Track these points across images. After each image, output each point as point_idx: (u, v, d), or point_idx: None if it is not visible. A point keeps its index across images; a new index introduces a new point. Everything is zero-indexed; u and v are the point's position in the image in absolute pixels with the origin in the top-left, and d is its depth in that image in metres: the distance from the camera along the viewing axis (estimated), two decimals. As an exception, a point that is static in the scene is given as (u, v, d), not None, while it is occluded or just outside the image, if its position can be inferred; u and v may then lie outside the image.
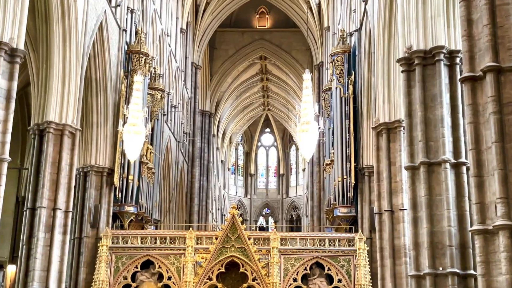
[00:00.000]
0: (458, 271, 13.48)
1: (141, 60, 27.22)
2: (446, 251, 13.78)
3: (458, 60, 14.63)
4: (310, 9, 44.91)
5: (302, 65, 43.98)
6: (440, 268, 13.72)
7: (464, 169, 14.00)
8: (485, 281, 9.72)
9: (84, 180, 24.80)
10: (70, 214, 21.40)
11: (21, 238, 20.75)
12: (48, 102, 21.04)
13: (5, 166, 16.25)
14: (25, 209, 20.99)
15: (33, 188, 20.67)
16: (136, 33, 28.56)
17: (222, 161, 58.66)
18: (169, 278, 23.75)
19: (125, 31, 27.63)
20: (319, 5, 43.20)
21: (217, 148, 55.00)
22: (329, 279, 23.77)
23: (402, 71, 15.62)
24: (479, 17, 10.49)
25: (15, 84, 16.85)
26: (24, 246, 20.22)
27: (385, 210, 20.80)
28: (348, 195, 26.09)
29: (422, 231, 14.32)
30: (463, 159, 14.05)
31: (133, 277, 23.91)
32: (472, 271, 13.00)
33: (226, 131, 59.33)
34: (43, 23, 20.74)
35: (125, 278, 23.83)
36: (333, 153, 27.95)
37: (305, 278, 23.84)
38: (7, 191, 17.15)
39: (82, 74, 22.26)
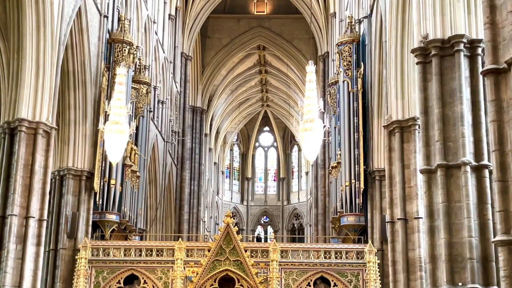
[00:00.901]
0: (479, 287, 13.49)
1: (125, 50, 27.19)
2: (466, 264, 13.77)
3: (479, 50, 14.61)
4: (315, -3, 45.14)
5: (305, 56, 44.14)
6: (460, 284, 13.71)
7: (486, 172, 13.94)
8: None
9: (60, 184, 24.75)
10: (44, 223, 21.33)
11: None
12: (19, 98, 21.00)
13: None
14: (-4, 218, 21.07)
15: (2, 194, 20.57)
16: (119, 19, 28.53)
17: (215, 163, 58.75)
18: (156, 294, 23.83)
19: (107, 17, 27.62)
20: (323, -10, 43.41)
21: (210, 149, 55.08)
22: (336, 298, 23.84)
23: (417, 63, 15.60)
24: (503, 2, 10.51)
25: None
26: (-9, 259, 20.27)
27: (398, 219, 20.81)
28: (357, 201, 26.09)
29: (439, 242, 14.30)
30: (485, 162, 13.97)
31: (115, 296, 23.97)
32: (495, 287, 13.04)
33: (220, 129, 59.39)
34: (15, 8, 20.69)
35: (107, 297, 23.89)
36: (340, 154, 27.97)
37: (309, 296, 23.93)
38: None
39: (58, 66, 22.23)
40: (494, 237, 10.95)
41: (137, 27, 32.60)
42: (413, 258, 19.99)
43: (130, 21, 29.55)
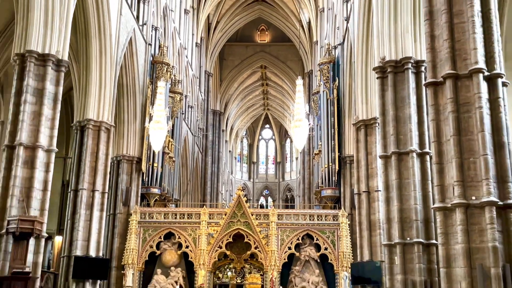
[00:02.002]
0: (422, 241, 13.61)
1: (163, 69, 27.20)
2: (413, 224, 13.86)
3: (423, 68, 14.71)
4: (302, 26, 44.83)
5: (295, 73, 43.98)
6: (408, 239, 13.83)
7: (427, 157, 14.10)
8: (444, 249, 9.81)
9: (117, 167, 24.85)
10: (106, 195, 21.54)
11: (66, 214, 20.90)
12: (87, 103, 21.12)
13: (53, 155, 16.42)
14: (69, 190, 21.20)
15: (75, 174, 20.86)
16: (159, 46, 28.50)
17: (230, 151, 58.66)
18: (187, 247, 23.91)
19: (150, 45, 27.58)
20: (309, 23, 43.18)
21: (226, 141, 55.00)
22: (317, 248, 23.87)
23: (377, 78, 15.70)
24: (440, 33, 10.52)
25: (60, 89, 16.99)
26: (68, 221, 20.41)
27: (363, 191, 20.79)
28: (333, 179, 26.11)
29: (393, 208, 14.41)
30: (427, 150, 14.14)
31: (158, 246, 24.08)
32: (434, 241, 13.09)
33: (233, 127, 59.31)
34: (83, 38, 20.78)
35: (151, 246, 23.98)
36: (321, 144, 27.99)
37: (297, 247, 23.94)
38: (54, 176, 17.25)
39: (115, 80, 22.30)
40: (433, 204, 10.97)
41: (173, 52, 32.54)
42: (374, 220, 19.98)
43: (167, 48, 29.50)
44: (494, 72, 9.88)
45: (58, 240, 27.01)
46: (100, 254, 21.05)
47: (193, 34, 40.63)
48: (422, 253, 13.43)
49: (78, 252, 19.84)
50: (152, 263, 23.98)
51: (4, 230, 14.66)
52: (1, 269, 14.39)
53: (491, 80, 9.86)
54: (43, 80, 16.32)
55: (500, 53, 10.14)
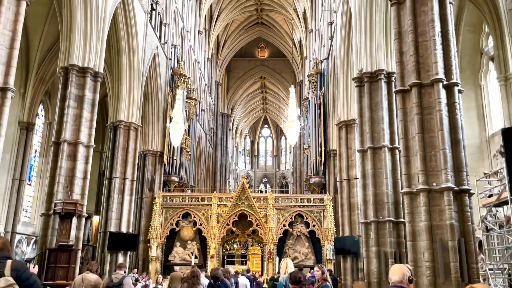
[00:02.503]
0: (392, 219, 13.67)
1: (181, 79, 27.23)
2: (384, 206, 13.91)
3: (393, 78, 14.71)
4: (294, 44, 44.92)
5: (289, 82, 43.90)
6: (381, 217, 13.88)
7: (397, 151, 14.15)
8: (410, 226, 9.86)
9: (144, 159, 24.88)
10: (134, 182, 21.64)
11: (102, 198, 20.94)
12: (119, 107, 21.19)
13: (91, 150, 16.50)
14: (105, 179, 21.27)
15: (110, 165, 20.93)
16: (178, 61, 28.54)
17: (235, 146, 58.56)
18: (201, 224, 24.00)
19: (170, 60, 27.61)
20: (300, 42, 43.20)
21: (232, 138, 54.92)
22: (307, 225, 23.94)
23: (355, 86, 15.72)
24: (407, 50, 10.54)
25: (97, 96, 17.08)
26: (104, 203, 20.47)
27: (344, 179, 20.83)
28: (320, 169, 26.20)
29: (368, 193, 14.43)
30: (396, 145, 14.16)
31: (177, 224, 24.20)
32: (402, 219, 13.11)
33: (238, 126, 59.26)
34: (116, 54, 20.83)
35: (171, 224, 24.10)
36: (310, 141, 28.04)
37: (290, 224, 24.00)
38: (92, 167, 17.30)
39: (142, 89, 22.34)
40: (401, 190, 10.98)
41: (188, 66, 32.55)
42: (353, 203, 20.03)
43: (184, 62, 29.49)
44: (451, 81, 9.92)
45: (95, 219, 27.20)
46: (130, 230, 21.15)
47: (205, 51, 40.64)
48: (392, 229, 13.51)
49: (112, 228, 19.94)
50: (172, 238, 24.09)
51: (52, 211, 14.80)
52: (49, 242, 14.56)
53: (449, 88, 9.89)
54: (83, 89, 16.38)
55: (456, 66, 10.18)
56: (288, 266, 8.04)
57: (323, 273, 7.23)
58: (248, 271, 16.17)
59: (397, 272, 3.79)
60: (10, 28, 11.36)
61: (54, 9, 18.42)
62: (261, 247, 24.05)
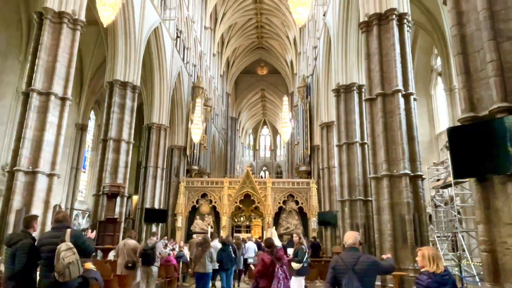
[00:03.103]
0: (362, 198, 13.71)
1: (200, 91, 27.12)
2: (356, 188, 13.95)
3: (363, 90, 14.64)
4: (287, 64, 44.80)
5: (282, 93, 43.74)
6: (353, 197, 13.90)
7: (366, 146, 14.09)
8: (376, 203, 9.89)
9: (171, 152, 24.82)
10: (164, 170, 21.70)
11: (140, 182, 20.99)
12: (152, 112, 21.24)
13: (131, 145, 16.58)
14: (141, 167, 21.32)
15: (145, 157, 21.10)
16: (197, 77, 28.44)
17: (242, 142, 58.46)
18: (215, 202, 23.96)
19: (191, 75, 27.57)
20: (291, 62, 43.00)
21: (239, 136, 54.85)
22: (296, 203, 23.85)
23: (334, 96, 15.65)
24: (374, 67, 10.52)
25: (135, 104, 17.20)
26: (141, 186, 20.68)
27: (325, 167, 20.83)
28: (306, 160, 26.12)
29: (344, 178, 14.44)
30: (365, 141, 14.11)
31: (197, 202, 24.13)
32: (370, 198, 13.08)
33: (244, 127, 59.18)
34: (149, 71, 20.82)
35: (193, 202, 24.06)
36: (299, 138, 27.94)
37: (284, 202, 23.94)
38: (132, 159, 17.37)
39: (170, 98, 22.36)
40: (369, 175, 10.98)
41: (205, 80, 32.46)
42: (332, 186, 20.01)
43: (202, 78, 29.42)
44: (408, 91, 9.94)
45: (134, 198, 27.26)
46: (161, 206, 21.22)
47: (218, 69, 40.59)
48: (362, 206, 13.56)
49: (147, 205, 20.05)
50: (193, 212, 24.06)
51: (101, 192, 14.91)
52: (99, 216, 14.64)
53: (406, 97, 9.91)
54: (124, 98, 16.44)
55: (412, 80, 10.20)
56: (272, 234, 8.15)
57: (300, 238, 7.30)
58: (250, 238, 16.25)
59: (351, 237, 3.92)
60: (68, 52, 11.39)
61: (101, 37, 18.41)
62: (261, 220, 24.00)
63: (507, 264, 5.09)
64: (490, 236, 5.28)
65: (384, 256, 4.08)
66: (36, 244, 4.78)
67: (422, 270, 3.59)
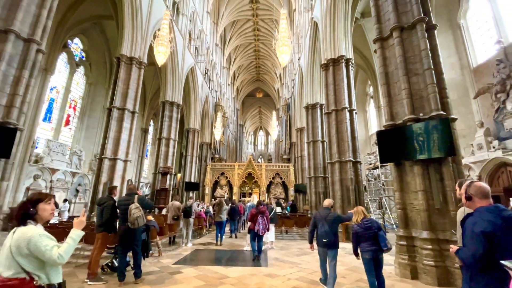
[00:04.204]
0: (322, 175, 13.61)
1: (220, 108, 26.82)
2: (318, 169, 13.88)
3: (323, 107, 14.56)
4: (275, 90, 44.50)
5: (272, 109, 43.68)
6: (317, 174, 13.82)
7: (325, 143, 13.94)
8: (331, 179, 9.85)
9: (201, 147, 24.62)
10: (197, 158, 21.36)
11: (182, 165, 20.83)
12: (189, 121, 20.99)
13: (176, 142, 16.38)
14: (183, 156, 20.99)
15: (185, 149, 20.70)
16: (218, 99, 28.19)
17: (246, 140, 58.24)
18: (230, 178, 23.80)
19: (214, 98, 27.29)
20: (278, 89, 42.70)
21: (245, 136, 54.73)
22: (281, 178, 23.68)
23: (305, 111, 15.50)
24: (330, 92, 10.45)
25: (179, 116, 16.95)
26: (183, 167, 20.30)
27: (299, 156, 20.68)
28: (287, 151, 26.03)
29: (311, 163, 14.36)
30: (325, 139, 13.93)
31: (218, 178, 23.88)
32: (327, 175, 13.08)
33: (248, 130, 58.89)
34: (187, 95, 20.63)
35: (215, 178, 23.86)
36: (282, 137, 27.87)
37: (273, 178, 23.75)
38: (177, 150, 17.25)
39: (201, 112, 22.09)
40: (327, 161, 10.98)
41: (224, 101, 32.25)
42: (303, 167, 19.90)
43: (221, 99, 29.22)
44: (352, 108, 9.89)
45: (179, 175, 27.13)
46: (195, 180, 21.09)
47: (231, 93, 40.31)
48: (322, 181, 13.51)
49: (187, 179, 19.93)
50: (215, 184, 23.90)
51: (157, 171, 14.79)
52: (156, 186, 14.56)
53: (350, 112, 9.86)
54: (171, 112, 16.32)
55: (354, 100, 10.15)
56: (254, 198, 8.38)
57: (270, 203, 7.72)
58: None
59: (326, 202, 4.48)
60: (136, 82, 11.32)
61: (157, 73, 18.31)
62: (258, 189, 23.92)
63: (413, 217, 5.13)
64: (402, 199, 5.31)
65: (349, 211, 4.28)
66: (116, 204, 4.80)
67: (354, 221, 3.87)
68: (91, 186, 15.25)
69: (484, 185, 1.89)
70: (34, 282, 1.59)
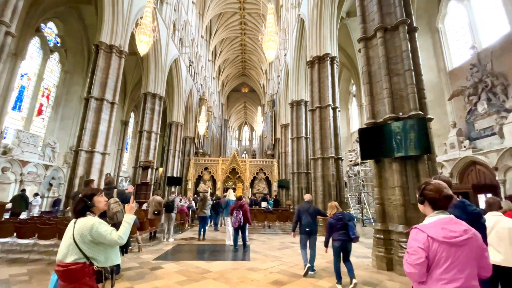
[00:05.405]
0: (305, 171, 13.77)
1: (204, 101, 26.40)
2: (302, 165, 14.04)
3: (308, 104, 14.71)
4: (261, 86, 44.40)
5: (257, 105, 43.61)
6: (300, 170, 13.95)
7: (308, 139, 14.10)
8: (313, 174, 10.02)
9: (185, 141, 24.17)
10: (180, 152, 20.96)
11: (164, 159, 20.36)
12: (173, 114, 20.48)
13: (158, 136, 15.93)
14: (166, 150, 20.52)
15: (168, 143, 20.25)
16: (203, 92, 27.67)
17: (231, 135, 57.90)
18: (213, 173, 23.58)
19: (198, 91, 26.75)
20: (263, 85, 42.66)
21: (229, 131, 54.39)
22: (265, 174, 23.81)
23: (290, 107, 15.53)
24: (315, 89, 10.55)
25: (161, 108, 16.48)
26: (165, 161, 19.86)
27: (282, 152, 20.83)
28: (271, 147, 26.17)
29: (294, 159, 14.46)
30: (308, 136, 14.07)
31: (201, 172, 23.58)
32: (310, 171, 13.28)
33: (232, 125, 58.51)
34: (170, 87, 20.07)
35: (199, 173, 23.56)
36: (267, 133, 27.97)
37: (257, 173, 23.86)
38: (159, 144, 16.79)
39: (184, 105, 21.60)
40: (310, 157, 11.16)
41: (208, 95, 31.65)
42: (287, 163, 20.13)
43: (205, 93, 28.72)
44: (335, 106, 10.06)
45: (160, 169, 26.50)
46: (178, 175, 20.72)
47: (216, 87, 39.72)
48: (305, 176, 13.71)
49: (169, 174, 19.52)
50: (199, 179, 23.63)
51: (138, 165, 14.36)
52: (136, 181, 14.12)
53: (334, 109, 10.03)
54: (154, 104, 15.82)
55: (338, 98, 10.32)
56: (231, 194, 8.44)
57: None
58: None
59: (308, 196, 4.79)
60: (116, 72, 10.82)
61: (139, 63, 17.61)
62: (242, 184, 23.93)
63: (390, 212, 5.34)
64: (381, 195, 5.51)
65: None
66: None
67: (328, 214, 4.45)
68: (66, 179, 14.50)
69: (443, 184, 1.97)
70: (94, 267, 1.84)
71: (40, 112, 14.91)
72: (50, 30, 15.33)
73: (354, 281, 3.98)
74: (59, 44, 15.85)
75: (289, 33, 17.89)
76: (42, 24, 14.56)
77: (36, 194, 11.88)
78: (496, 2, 9.01)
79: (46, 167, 13.96)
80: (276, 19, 22.81)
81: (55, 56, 15.81)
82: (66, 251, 1.85)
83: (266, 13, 22.76)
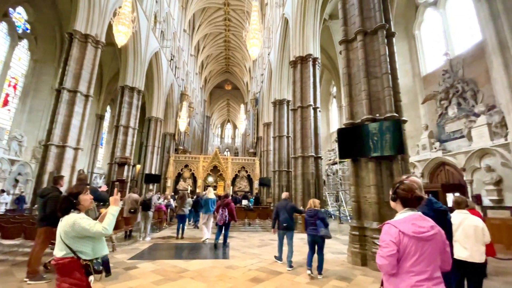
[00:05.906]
0: (286, 169, 13.94)
1: (185, 97, 25.83)
2: (283, 163, 14.17)
3: (290, 103, 14.84)
4: (244, 84, 44.23)
5: (240, 102, 43.46)
6: (281, 168, 14.09)
7: (289, 138, 14.24)
8: (294, 173, 10.16)
9: (164, 137, 23.48)
10: (159, 149, 20.42)
11: (142, 156, 19.66)
12: (152, 109, 19.85)
13: (136, 131, 15.37)
14: (144, 146, 19.82)
15: (146, 138, 19.61)
16: (184, 87, 27.03)
17: (213, 133, 57.18)
18: (194, 170, 23.20)
19: (180, 86, 26.03)
20: (247, 82, 42.52)
21: (211, 128, 53.63)
22: (246, 172, 23.77)
23: (273, 106, 15.62)
24: (297, 89, 10.67)
25: (140, 102, 15.96)
26: (143, 158, 19.21)
27: (264, 150, 20.97)
28: (254, 145, 26.18)
29: (276, 157, 14.54)
30: (289, 135, 14.20)
31: (181, 170, 23.09)
32: (290, 170, 13.42)
33: (214, 122, 57.82)
34: (150, 80, 19.39)
35: (178, 170, 23.06)
36: (249, 131, 27.96)
37: (239, 171, 23.79)
38: (137, 140, 16.21)
39: (165, 100, 21.02)
40: (291, 155, 11.30)
41: (190, 90, 31.00)
42: (269, 161, 20.23)
43: (187, 88, 28.07)
44: (316, 106, 10.25)
45: (138, 166, 25.59)
46: (156, 172, 20.13)
47: (199, 83, 38.97)
48: (285, 174, 13.84)
49: (147, 171, 18.90)
50: (178, 177, 23.05)
51: (113, 162, 13.75)
52: (112, 178, 13.52)
53: (315, 109, 10.22)
54: (131, 98, 15.22)
55: (318, 98, 10.52)
56: (211, 192, 8.40)
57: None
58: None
59: (285, 194, 5.13)
60: (91, 63, 10.26)
61: (116, 54, 16.80)
62: (223, 182, 23.75)
63: (365, 209, 5.55)
64: (357, 193, 5.71)
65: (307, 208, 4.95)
66: (62, 195, 4.32)
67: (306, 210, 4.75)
68: (34, 176, 13.54)
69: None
70: (80, 261, 1.95)
71: (6, 103, 13.76)
72: (19, 15, 14.18)
73: (319, 277, 4.20)
74: (28, 31, 14.70)
75: (273, 32, 17.94)
76: (10, 9, 13.43)
77: (2, 191, 11.02)
78: (470, 12, 9.51)
79: (12, 162, 12.95)
80: (260, 17, 22.78)
81: (24, 43, 14.65)
82: (57, 247, 2.00)
83: (251, 10, 22.70)
